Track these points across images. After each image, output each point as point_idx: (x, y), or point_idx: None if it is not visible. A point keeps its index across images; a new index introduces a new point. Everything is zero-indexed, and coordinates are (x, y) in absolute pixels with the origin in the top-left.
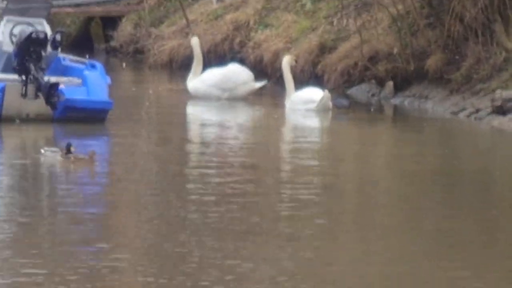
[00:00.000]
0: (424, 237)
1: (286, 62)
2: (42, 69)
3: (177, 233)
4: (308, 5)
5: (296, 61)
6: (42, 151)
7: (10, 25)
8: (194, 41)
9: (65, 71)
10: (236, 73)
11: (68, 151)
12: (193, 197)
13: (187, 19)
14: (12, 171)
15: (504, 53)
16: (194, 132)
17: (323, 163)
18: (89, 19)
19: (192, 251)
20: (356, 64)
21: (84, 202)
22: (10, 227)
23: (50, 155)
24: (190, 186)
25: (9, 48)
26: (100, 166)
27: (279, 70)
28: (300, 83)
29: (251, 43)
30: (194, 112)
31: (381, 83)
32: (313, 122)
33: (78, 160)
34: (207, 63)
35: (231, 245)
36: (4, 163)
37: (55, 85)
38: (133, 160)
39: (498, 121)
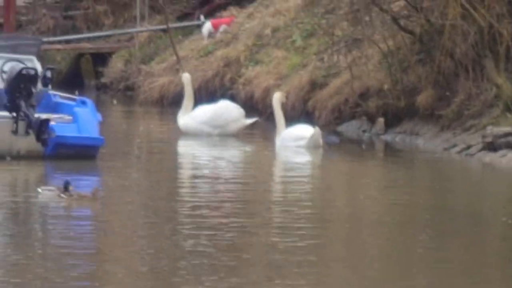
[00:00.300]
0: (414, 266)
1: (276, 99)
2: (33, 106)
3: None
4: (298, 42)
5: (286, 98)
6: (39, 190)
7: (0, 62)
8: (185, 78)
9: (55, 108)
10: (227, 110)
11: (66, 189)
12: (185, 231)
13: (177, 56)
14: (5, 210)
15: (494, 89)
16: (185, 169)
17: (313, 199)
18: (79, 56)
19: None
20: (347, 100)
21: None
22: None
23: (48, 194)
24: (183, 220)
25: None
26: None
27: (270, 106)
28: (291, 119)
29: (241, 80)
30: (184, 149)
31: (372, 119)
32: (304, 159)
33: (81, 198)
34: (198, 100)
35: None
36: None
37: (46, 122)
38: (125, 196)
39: (489, 157)
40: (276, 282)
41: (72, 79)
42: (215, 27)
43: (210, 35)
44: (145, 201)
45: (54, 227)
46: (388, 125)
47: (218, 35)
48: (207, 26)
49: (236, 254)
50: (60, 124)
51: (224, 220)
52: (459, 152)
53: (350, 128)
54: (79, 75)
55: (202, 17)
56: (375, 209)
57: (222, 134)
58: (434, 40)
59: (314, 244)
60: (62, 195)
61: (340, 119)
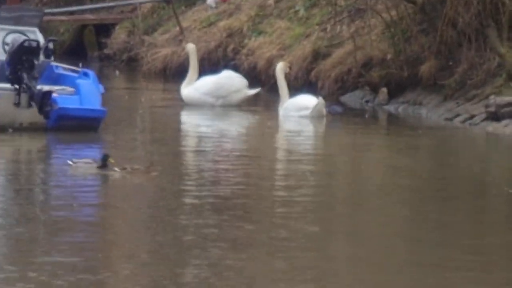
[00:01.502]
0: (422, 246)
1: (279, 69)
2: (35, 78)
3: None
4: (302, 12)
5: (290, 68)
6: (71, 162)
7: (2, 34)
8: (190, 47)
9: (58, 79)
10: (229, 80)
11: (104, 163)
12: (189, 205)
13: (180, 27)
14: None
15: (497, 59)
16: (187, 141)
17: (317, 171)
18: (83, 27)
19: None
20: (350, 70)
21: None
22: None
23: (83, 167)
24: (187, 200)
25: (1, 57)
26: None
27: (273, 77)
28: (294, 90)
29: (244, 50)
30: (187, 120)
31: (375, 89)
32: (307, 129)
33: (135, 171)
34: (201, 71)
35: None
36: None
37: (48, 94)
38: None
39: (492, 127)
40: (282, 261)
41: (75, 50)
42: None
43: (216, 5)
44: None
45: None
46: (391, 95)
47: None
48: None
49: (240, 225)
50: (63, 96)
51: (226, 194)
52: (462, 122)
53: (353, 98)
54: (82, 46)
55: None
56: (379, 177)
57: (224, 105)
58: (436, 9)
59: (319, 216)
60: (116, 168)
61: (343, 89)
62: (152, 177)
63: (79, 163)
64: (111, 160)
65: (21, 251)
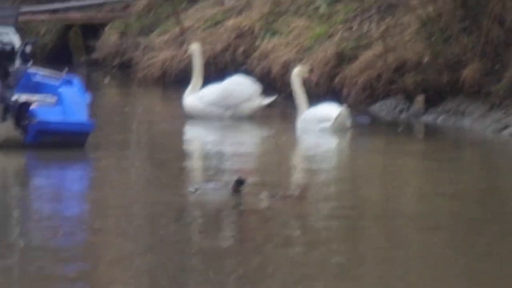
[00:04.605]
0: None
1: (296, 74)
2: (10, 87)
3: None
4: (323, 8)
5: (311, 72)
6: (192, 189)
7: None
8: (194, 48)
9: (37, 88)
10: (238, 87)
11: (238, 187)
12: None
13: (181, 26)
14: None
15: None
16: (191, 162)
17: (340, 193)
18: (67, 28)
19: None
20: (379, 76)
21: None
22: None
23: (212, 193)
24: (191, 224)
25: None
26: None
27: (290, 83)
28: (315, 99)
29: (256, 53)
30: (190, 136)
31: (409, 97)
32: (328, 144)
33: (286, 197)
34: (206, 77)
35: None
36: None
37: (26, 105)
38: (120, 196)
39: None
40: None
41: (59, 54)
42: None
43: None
44: (145, 200)
45: None
46: (428, 104)
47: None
48: None
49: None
50: (43, 107)
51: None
52: None
53: (384, 108)
54: (67, 50)
55: None
56: (414, 203)
57: (234, 116)
58: (481, 4)
59: (345, 248)
60: (263, 195)
61: (372, 97)
62: (305, 204)
63: (205, 189)
64: (246, 186)
65: None
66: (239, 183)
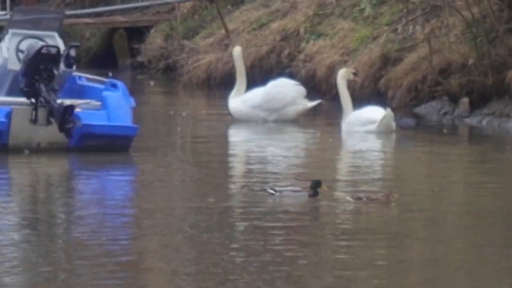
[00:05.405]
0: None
1: (341, 76)
2: (55, 91)
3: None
4: (368, 10)
5: (355, 74)
6: (271, 191)
7: (16, 40)
8: (236, 51)
9: (81, 92)
10: (283, 89)
11: (316, 190)
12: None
13: (226, 29)
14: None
15: None
16: (235, 167)
17: (421, 198)
18: (112, 31)
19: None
20: (424, 78)
21: None
22: None
23: (291, 195)
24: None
25: (15, 66)
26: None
27: (335, 86)
28: (360, 101)
29: (301, 56)
30: (235, 140)
31: (454, 99)
32: (373, 146)
33: (371, 201)
34: (251, 80)
35: None
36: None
37: (70, 109)
38: (164, 200)
39: None
40: None
41: (104, 58)
42: None
43: None
44: (189, 205)
45: None
46: (474, 106)
47: None
48: None
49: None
50: (87, 111)
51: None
52: None
53: (429, 110)
54: (112, 53)
55: None
56: (461, 216)
57: (279, 120)
58: None
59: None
60: (349, 198)
61: (417, 99)
62: (390, 208)
63: (284, 191)
64: (324, 187)
65: None
66: (316, 185)
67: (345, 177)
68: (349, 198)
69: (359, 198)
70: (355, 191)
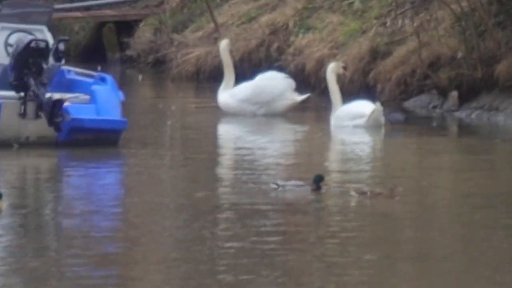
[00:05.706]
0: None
1: (331, 70)
2: (44, 84)
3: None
4: (357, 4)
5: (344, 68)
6: (274, 185)
7: (5, 33)
8: (222, 44)
9: (70, 86)
10: (271, 82)
11: (318, 185)
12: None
13: (215, 23)
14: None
15: None
16: (223, 160)
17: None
18: (101, 25)
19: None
20: (414, 71)
21: None
22: None
23: (294, 189)
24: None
25: (4, 60)
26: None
27: (324, 80)
28: (349, 95)
29: (290, 49)
30: (224, 133)
31: (443, 93)
32: (362, 141)
33: (376, 195)
34: (240, 74)
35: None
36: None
37: (59, 103)
38: (152, 194)
39: None
40: None
41: (93, 52)
42: None
43: None
44: (178, 200)
45: None
46: (463, 100)
47: None
48: None
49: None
50: (76, 105)
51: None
52: None
53: (418, 104)
54: (101, 47)
55: None
56: (448, 202)
57: (268, 113)
58: None
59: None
60: (353, 193)
61: (406, 93)
62: (395, 203)
63: (287, 185)
64: (323, 183)
65: None
66: (318, 179)
67: (335, 171)
68: (353, 193)
69: (363, 193)
70: (355, 187)
